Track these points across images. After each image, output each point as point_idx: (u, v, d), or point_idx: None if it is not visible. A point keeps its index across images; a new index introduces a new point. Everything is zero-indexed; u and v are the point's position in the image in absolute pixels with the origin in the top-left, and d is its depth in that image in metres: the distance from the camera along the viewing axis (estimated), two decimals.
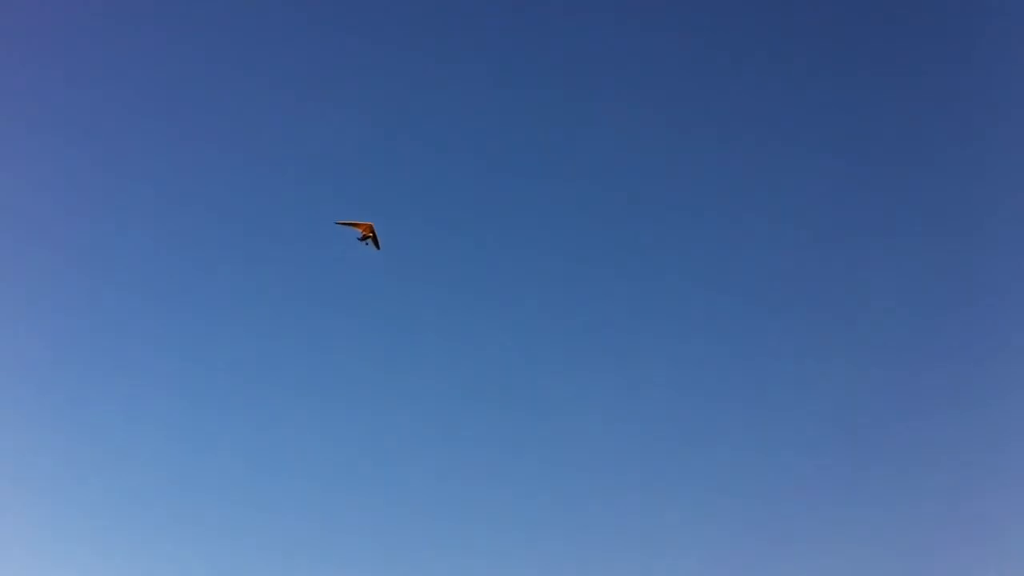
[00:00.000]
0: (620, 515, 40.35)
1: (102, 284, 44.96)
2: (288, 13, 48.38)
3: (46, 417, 40.86)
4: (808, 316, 45.44)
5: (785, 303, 45.83)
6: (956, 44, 47.07)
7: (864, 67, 48.55)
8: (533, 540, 39.65)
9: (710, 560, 38.32)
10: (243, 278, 46.43)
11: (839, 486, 40.61)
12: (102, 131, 46.91)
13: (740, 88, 49.11)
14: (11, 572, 35.71)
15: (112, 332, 44.13)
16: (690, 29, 49.63)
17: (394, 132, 48.54)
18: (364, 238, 31.35)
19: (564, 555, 38.98)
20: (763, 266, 46.66)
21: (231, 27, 48.68)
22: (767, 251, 46.71)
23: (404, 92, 48.55)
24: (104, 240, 45.68)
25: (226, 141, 47.63)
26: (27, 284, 43.44)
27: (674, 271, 47.58)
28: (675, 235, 48.54)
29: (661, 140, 49.05)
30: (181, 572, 37.81)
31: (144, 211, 46.21)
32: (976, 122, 46.03)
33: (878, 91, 48.15)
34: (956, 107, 47.00)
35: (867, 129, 48.43)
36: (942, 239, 45.03)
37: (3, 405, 40.21)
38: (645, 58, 50.17)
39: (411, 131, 48.68)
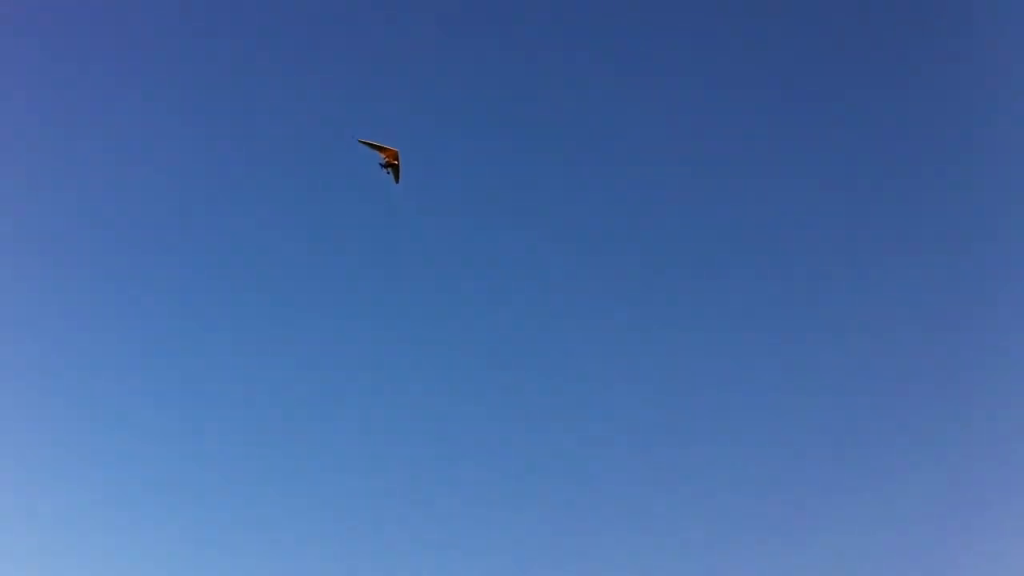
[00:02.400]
0: (619, 512, 40.60)
1: (101, 282, 45.04)
2: None
3: (46, 417, 40.95)
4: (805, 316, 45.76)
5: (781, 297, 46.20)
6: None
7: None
8: (532, 538, 39.86)
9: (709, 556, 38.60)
10: (242, 276, 46.50)
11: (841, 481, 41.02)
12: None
13: None
14: (11, 572, 35.80)
15: (109, 331, 44.24)
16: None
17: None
18: (387, 165, 30.84)
19: (563, 554, 39.19)
20: (762, 265, 47.01)
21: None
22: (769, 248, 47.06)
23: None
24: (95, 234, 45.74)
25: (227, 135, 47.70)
26: (27, 283, 43.51)
27: (677, 266, 47.94)
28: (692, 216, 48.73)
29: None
30: (180, 571, 37.89)
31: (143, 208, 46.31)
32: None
33: None
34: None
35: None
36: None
37: (3, 405, 40.29)
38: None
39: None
